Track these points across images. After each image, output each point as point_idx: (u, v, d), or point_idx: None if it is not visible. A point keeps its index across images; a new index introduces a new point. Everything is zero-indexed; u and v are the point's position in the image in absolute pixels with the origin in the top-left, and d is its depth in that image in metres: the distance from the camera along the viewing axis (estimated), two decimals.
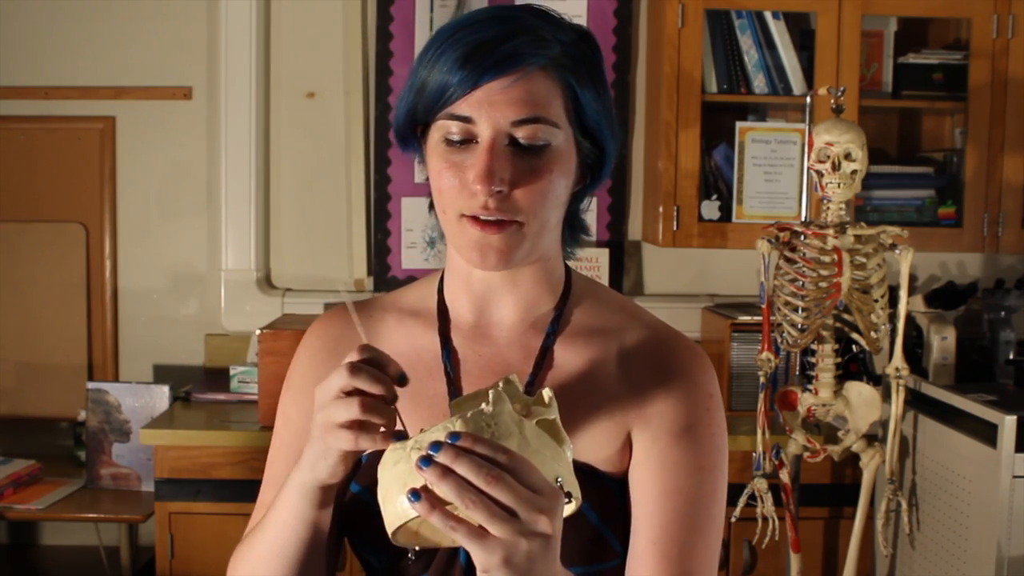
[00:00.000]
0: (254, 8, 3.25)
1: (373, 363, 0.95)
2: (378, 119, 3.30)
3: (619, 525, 1.10)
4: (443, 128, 1.05)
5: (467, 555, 1.05)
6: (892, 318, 2.53)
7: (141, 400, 3.00)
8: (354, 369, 0.94)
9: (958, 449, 2.41)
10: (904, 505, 2.58)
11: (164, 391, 2.99)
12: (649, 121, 3.27)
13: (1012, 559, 2.25)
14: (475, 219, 1.04)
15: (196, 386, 3.12)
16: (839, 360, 2.56)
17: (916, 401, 2.60)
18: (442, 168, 1.05)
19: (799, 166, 3.04)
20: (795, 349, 2.53)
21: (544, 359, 1.13)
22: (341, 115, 3.34)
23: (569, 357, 1.13)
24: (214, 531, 2.73)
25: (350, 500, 1.12)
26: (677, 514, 1.07)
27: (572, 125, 1.07)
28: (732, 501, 2.50)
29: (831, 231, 2.46)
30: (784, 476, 2.57)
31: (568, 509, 0.94)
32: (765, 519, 2.56)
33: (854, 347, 2.78)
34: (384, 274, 3.33)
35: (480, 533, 0.86)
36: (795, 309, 2.48)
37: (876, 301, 2.47)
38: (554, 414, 0.96)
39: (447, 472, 0.86)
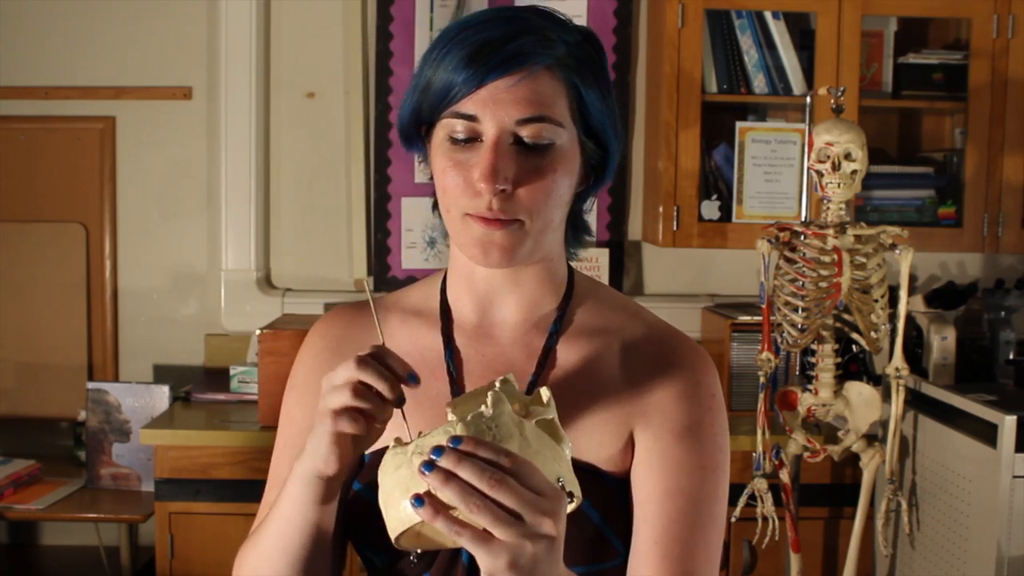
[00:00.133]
0: (254, 8, 3.25)
1: (382, 361, 0.96)
2: (378, 119, 3.30)
3: (621, 525, 1.10)
4: (448, 127, 1.05)
5: (469, 555, 1.05)
6: (892, 318, 2.53)
7: (141, 400, 3.00)
8: (361, 363, 0.95)
9: (958, 449, 2.41)
10: (904, 505, 2.58)
11: (164, 391, 2.99)
12: (649, 121, 3.27)
13: (1012, 559, 2.25)
14: (479, 216, 1.05)
15: (196, 386, 3.12)
16: (839, 360, 2.56)
17: (916, 401, 2.60)
18: (446, 166, 1.06)
19: (799, 166, 3.04)
20: (795, 349, 2.53)
21: (547, 359, 1.13)
22: (341, 115, 3.34)
23: (572, 357, 1.13)
24: (214, 531, 2.73)
25: (352, 499, 1.13)
26: (679, 514, 1.07)
27: (576, 125, 1.08)
28: (732, 501, 2.50)
29: (831, 231, 2.46)
30: (784, 476, 2.57)
31: (569, 508, 0.94)
32: (765, 519, 2.56)
33: (854, 347, 2.78)
34: (384, 274, 3.33)
35: (485, 537, 0.86)
36: (795, 309, 2.48)
37: (876, 301, 2.47)
38: (552, 413, 0.97)
39: (450, 477, 0.86)
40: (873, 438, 2.61)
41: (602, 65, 1.10)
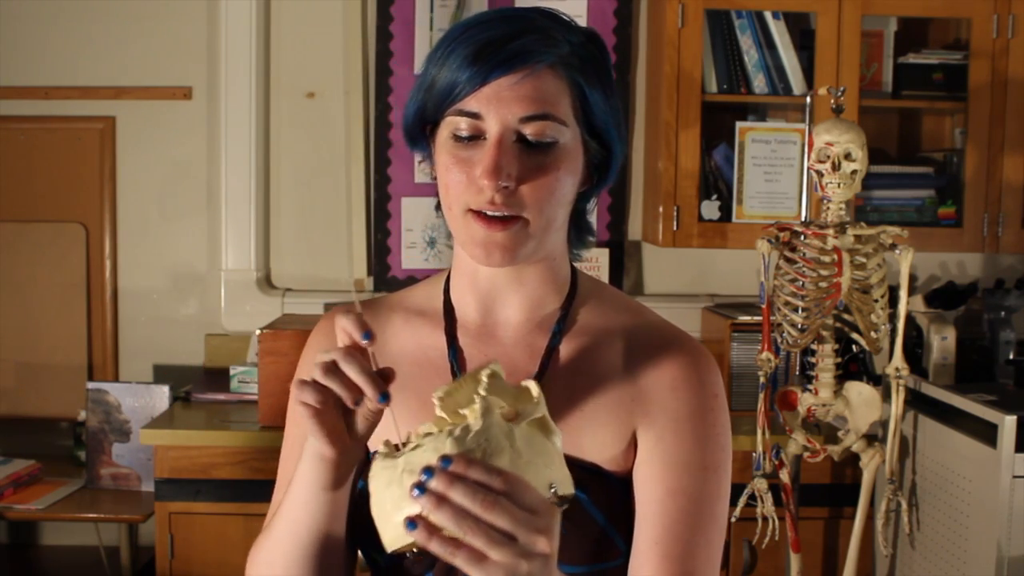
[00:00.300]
0: (254, 8, 3.25)
1: (360, 366, 0.95)
2: (378, 119, 3.30)
3: (624, 524, 1.10)
4: (452, 124, 1.06)
5: None
6: (892, 318, 2.53)
7: (141, 400, 3.00)
8: (328, 370, 0.95)
9: (958, 449, 2.41)
10: (904, 505, 2.58)
11: (164, 391, 2.99)
12: (649, 121, 3.27)
13: (1012, 559, 2.25)
14: (480, 216, 1.05)
15: (196, 386, 3.12)
16: (839, 360, 2.56)
17: (916, 401, 2.60)
18: (450, 164, 1.06)
19: (799, 166, 3.04)
20: (795, 349, 2.53)
21: (550, 359, 1.13)
22: (341, 115, 3.34)
23: (575, 357, 1.13)
24: (214, 531, 2.72)
25: (356, 497, 1.13)
26: (680, 513, 1.07)
27: (580, 124, 1.08)
28: (732, 501, 2.50)
29: (831, 231, 2.46)
30: (784, 476, 2.57)
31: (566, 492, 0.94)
32: (765, 519, 2.56)
33: (854, 347, 2.78)
34: (384, 274, 3.33)
35: (480, 557, 0.86)
36: (795, 309, 2.48)
37: (876, 301, 2.47)
38: (542, 410, 0.96)
39: (442, 500, 0.86)
40: (873, 438, 2.61)
41: (606, 66, 1.10)
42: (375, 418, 1.00)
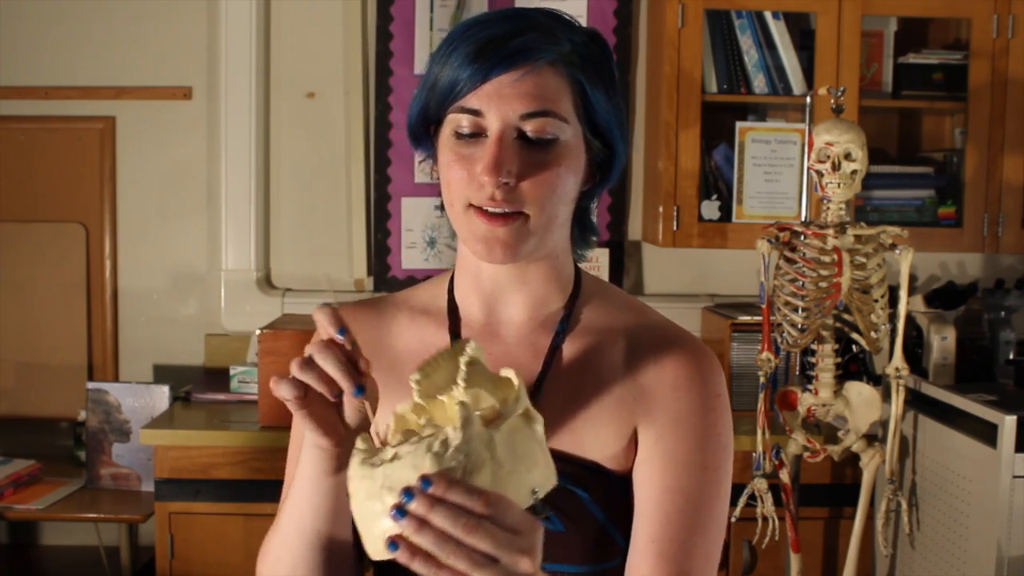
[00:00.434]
0: (254, 8, 3.25)
1: (337, 357, 0.96)
2: (378, 119, 3.30)
3: (624, 523, 1.10)
4: (453, 122, 1.06)
5: None
6: (892, 318, 2.53)
7: (141, 400, 3.00)
8: (303, 365, 0.95)
9: (958, 449, 2.41)
10: (904, 505, 2.58)
11: (164, 391, 2.99)
12: (649, 121, 3.27)
13: (1012, 559, 2.25)
14: (482, 212, 1.05)
15: (196, 386, 3.12)
16: (839, 360, 2.56)
17: (916, 401, 2.60)
18: (451, 161, 1.07)
19: (799, 166, 3.04)
20: (795, 349, 2.53)
21: (553, 358, 1.13)
22: (341, 115, 3.34)
23: (578, 356, 1.13)
24: (214, 531, 2.72)
25: None
26: (678, 513, 1.07)
27: (581, 122, 1.08)
28: (732, 501, 2.50)
29: (831, 231, 2.46)
30: (784, 476, 2.57)
31: (547, 486, 0.94)
32: (765, 519, 2.56)
33: (854, 347, 2.78)
34: (384, 274, 3.33)
35: None
36: (795, 309, 2.48)
37: (876, 301, 2.47)
38: (524, 403, 0.94)
39: (423, 524, 0.85)
40: (873, 438, 2.61)
41: (608, 65, 1.11)
42: (364, 410, 1.00)
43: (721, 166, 3.14)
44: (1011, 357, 3.08)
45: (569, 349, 1.14)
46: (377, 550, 0.90)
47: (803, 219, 2.91)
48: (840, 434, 2.62)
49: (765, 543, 2.58)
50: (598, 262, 3.24)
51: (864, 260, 2.45)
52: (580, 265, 1.22)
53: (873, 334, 2.49)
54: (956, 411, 2.44)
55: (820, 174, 2.48)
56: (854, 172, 2.46)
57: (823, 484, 2.81)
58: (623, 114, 1.13)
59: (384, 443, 0.94)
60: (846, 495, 2.78)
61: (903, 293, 2.50)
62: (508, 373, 0.96)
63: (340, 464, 1.02)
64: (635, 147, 3.34)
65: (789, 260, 2.50)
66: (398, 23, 3.26)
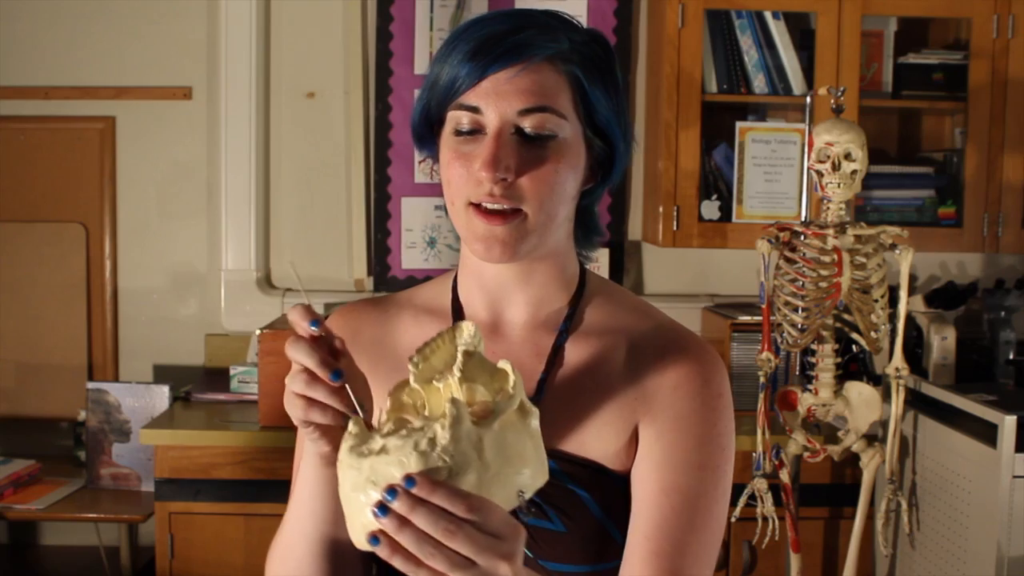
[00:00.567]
0: (254, 8, 3.25)
1: (323, 340, 0.95)
2: (378, 119, 3.30)
3: (624, 523, 1.10)
4: (453, 120, 1.07)
5: None
6: (892, 318, 2.53)
7: (141, 400, 3.00)
8: (292, 344, 0.95)
9: (958, 449, 2.41)
10: (904, 505, 2.58)
11: (164, 391, 2.99)
12: (649, 121, 3.27)
13: (1012, 559, 2.25)
14: (481, 210, 1.05)
15: (196, 386, 3.12)
16: (839, 360, 2.56)
17: (916, 401, 2.60)
18: (451, 159, 1.07)
19: (799, 166, 3.04)
20: (795, 349, 2.53)
21: (556, 357, 1.13)
22: (341, 115, 3.34)
23: (580, 355, 1.13)
24: (214, 531, 2.72)
25: None
26: (674, 511, 1.07)
27: (581, 120, 1.08)
28: (732, 501, 2.50)
29: (831, 231, 2.46)
30: (784, 476, 2.57)
31: (538, 482, 0.93)
32: (765, 519, 2.56)
33: (854, 347, 2.78)
34: (384, 274, 3.33)
35: None
36: (795, 309, 2.48)
37: (876, 301, 2.47)
38: (519, 399, 0.94)
39: (405, 523, 0.86)
40: (873, 438, 2.61)
41: (609, 65, 1.11)
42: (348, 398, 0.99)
43: (721, 166, 3.14)
44: (1011, 357, 3.08)
45: (572, 349, 1.14)
46: (360, 541, 0.90)
47: (803, 219, 2.91)
48: (840, 434, 2.62)
49: (765, 543, 2.58)
50: (598, 262, 3.25)
51: (864, 260, 2.45)
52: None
53: (873, 334, 2.49)
54: (956, 411, 2.44)
55: (820, 174, 2.48)
56: (854, 172, 2.46)
57: (823, 484, 2.81)
58: (626, 114, 1.13)
59: (377, 427, 0.93)
60: (846, 495, 2.77)
61: (903, 293, 2.50)
62: (505, 365, 0.96)
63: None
64: (635, 147, 3.34)
65: (789, 260, 2.50)
66: (398, 23, 3.27)
